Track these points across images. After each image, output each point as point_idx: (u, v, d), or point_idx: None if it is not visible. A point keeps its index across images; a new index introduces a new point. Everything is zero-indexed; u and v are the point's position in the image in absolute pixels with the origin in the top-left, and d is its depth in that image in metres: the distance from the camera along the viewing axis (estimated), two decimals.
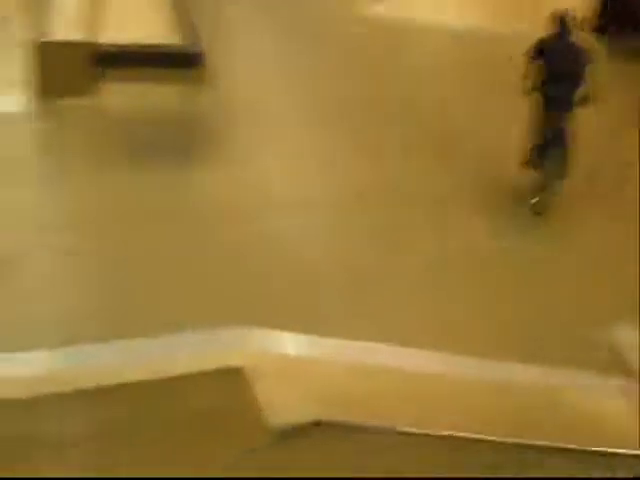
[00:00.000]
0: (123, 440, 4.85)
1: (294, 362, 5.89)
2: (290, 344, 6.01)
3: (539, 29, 7.84)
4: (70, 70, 8.86)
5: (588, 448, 5.14)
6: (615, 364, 6.20)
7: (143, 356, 5.80)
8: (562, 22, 7.46)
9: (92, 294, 6.23)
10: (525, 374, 5.91)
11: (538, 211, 7.78)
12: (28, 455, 4.70)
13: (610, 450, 5.13)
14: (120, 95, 9.04)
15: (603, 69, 8.45)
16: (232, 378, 5.31)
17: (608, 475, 4.95)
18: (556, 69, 7.42)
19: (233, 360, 5.56)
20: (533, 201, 7.81)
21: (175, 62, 9.44)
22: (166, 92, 9.20)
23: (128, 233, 6.93)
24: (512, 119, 8.35)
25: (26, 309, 5.98)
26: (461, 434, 5.15)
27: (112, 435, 4.90)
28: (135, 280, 6.43)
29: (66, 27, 9.15)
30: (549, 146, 7.59)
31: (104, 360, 5.69)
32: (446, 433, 5.12)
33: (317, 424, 5.02)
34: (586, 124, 7.89)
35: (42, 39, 8.92)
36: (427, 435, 5.11)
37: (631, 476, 5.00)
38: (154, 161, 7.99)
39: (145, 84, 9.15)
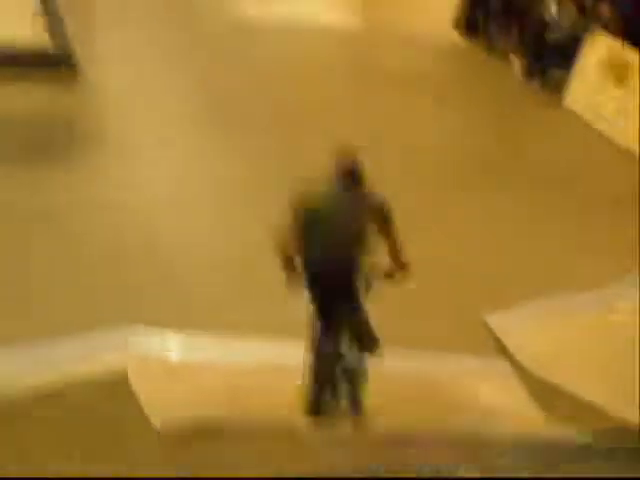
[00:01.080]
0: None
1: (178, 362, 5.83)
2: (173, 344, 5.94)
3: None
4: None
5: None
6: (493, 347, 6.48)
7: (24, 361, 5.58)
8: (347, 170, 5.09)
9: None
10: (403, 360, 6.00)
11: None
12: None
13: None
14: None
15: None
16: (115, 383, 5.20)
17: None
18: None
19: (115, 363, 5.44)
20: None
21: (44, 62, 9.22)
22: (36, 91, 8.91)
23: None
24: None
25: None
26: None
27: None
28: (6, 282, 6.18)
29: None
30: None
31: None
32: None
33: (202, 425, 4.96)
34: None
35: None
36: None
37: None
38: (24, 161, 7.75)
39: (14, 84, 8.84)
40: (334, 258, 5.03)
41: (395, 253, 5.03)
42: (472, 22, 13.55)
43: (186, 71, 10.27)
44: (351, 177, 5.04)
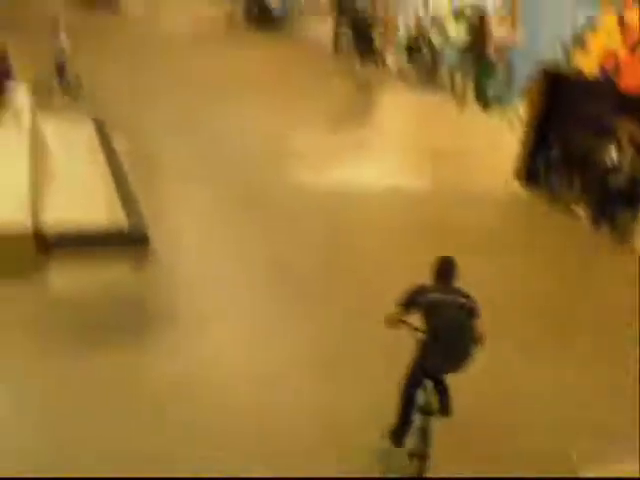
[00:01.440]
0: None
1: None
2: None
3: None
4: (13, 253, 8.85)
5: None
6: None
7: None
8: (444, 267, 6.44)
9: None
10: None
11: None
12: None
13: None
14: (65, 276, 9.02)
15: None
16: None
17: None
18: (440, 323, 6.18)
19: None
20: None
21: (119, 241, 9.58)
22: (111, 271, 9.21)
23: (76, 417, 6.78)
24: None
25: None
26: None
27: None
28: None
29: (11, 209, 9.21)
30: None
31: None
32: None
33: None
34: None
35: None
36: None
37: None
38: (103, 341, 7.91)
39: (90, 264, 9.18)
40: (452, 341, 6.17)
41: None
42: (533, 172, 13.73)
43: (252, 240, 10.54)
44: (448, 274, 6.39)
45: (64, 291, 8.84)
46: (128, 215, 10.12)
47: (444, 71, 18.83)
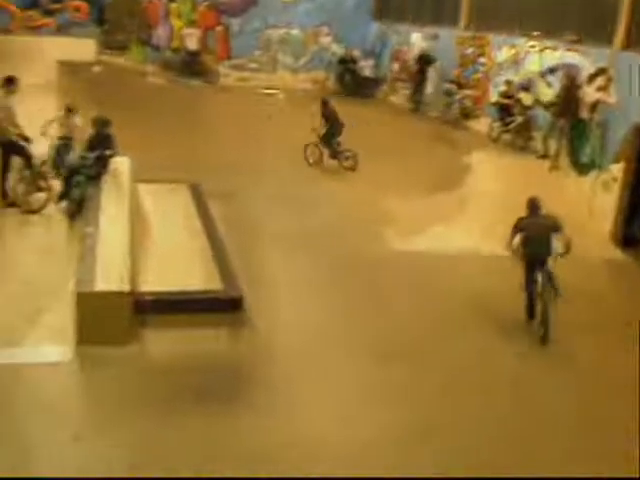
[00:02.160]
0: None
1: None
2: None
3: None
4: (111, 319, 9.10)
5: None
6: None
7: None
8: (532, 204, 10.29)
9: None
10: None
11: None
12: None
13: None
14: (161, 341, 9.22)
15: None
16: None
17: None
18: (531, 235, 10.12)
19: None
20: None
21: (215, 307, 9.75)
22: (207, 337, 9.36)
23: None
24: None
25: None
26: None
27: None
28: None
29: (108, 277, 9.50)
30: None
31: None
32: None
33: None
34: None
35: (80, 289, 9.20)
36: None
37: None
38: (198, 408, 8.00)
39: (186, 329, 9.36)
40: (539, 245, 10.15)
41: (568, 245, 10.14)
42: (630, 236, 13.40)
43: (348, 307, 10.58)
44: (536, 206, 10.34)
45: (159, 356, 9.01)
46: (224, 281, 10.32)
47: (536, 133, 18.66)
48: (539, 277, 9.95)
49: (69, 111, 13.32)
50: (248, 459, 7.29)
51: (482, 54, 21.88)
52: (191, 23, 28.28)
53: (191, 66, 27.33)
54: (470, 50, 22.45)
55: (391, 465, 7.39)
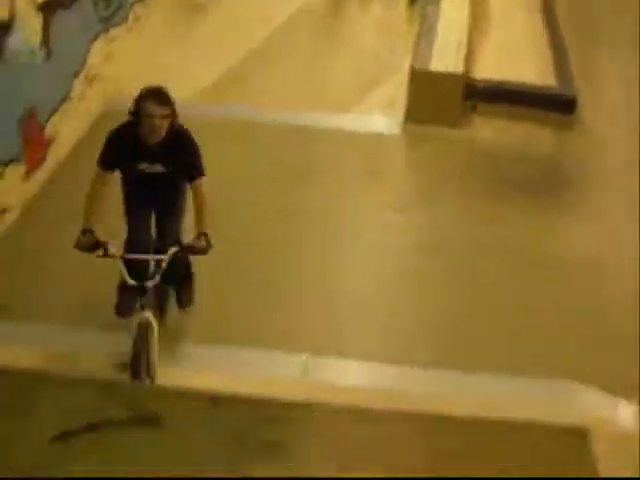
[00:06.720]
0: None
1: (626, 430, 5.57)
2: (624, 412, 5.69)
3: None
4: (442, 100, 9.17)
5: None
6: None
7: (475, 391, 5.75)
8: None
9: (434, 316, 6.31)
10: None
11: None
12: None
13: None
14: (488, 130, 9.18)
15: None
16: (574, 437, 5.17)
17: None
18: None
19: (575, 418, 5.38)
20: None
21: (546, 105, 9.41)
22: (533, 133, 9.15)
23: (483, 264, 6.93)
24: None
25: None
26: None
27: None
28: (478, 314, 6.35)
29: (444, 58, 9.49)
30: None
31: (432, 387, 5.73)
32: None
33: None
34: None
35: (416, 67, 9.32)
36: None
37: None
38: (514, 199, 7.96)
39: (514, 122, 9.20)
40: None
41: None
42: None
43: None
44: None
45: (485, 143, 9.00)
46: (559, 78, 9.86)
47: None
48: None
49: None
50: (557, 259, 7.09)
51: None
52: None
53: None
54: None
55: None
